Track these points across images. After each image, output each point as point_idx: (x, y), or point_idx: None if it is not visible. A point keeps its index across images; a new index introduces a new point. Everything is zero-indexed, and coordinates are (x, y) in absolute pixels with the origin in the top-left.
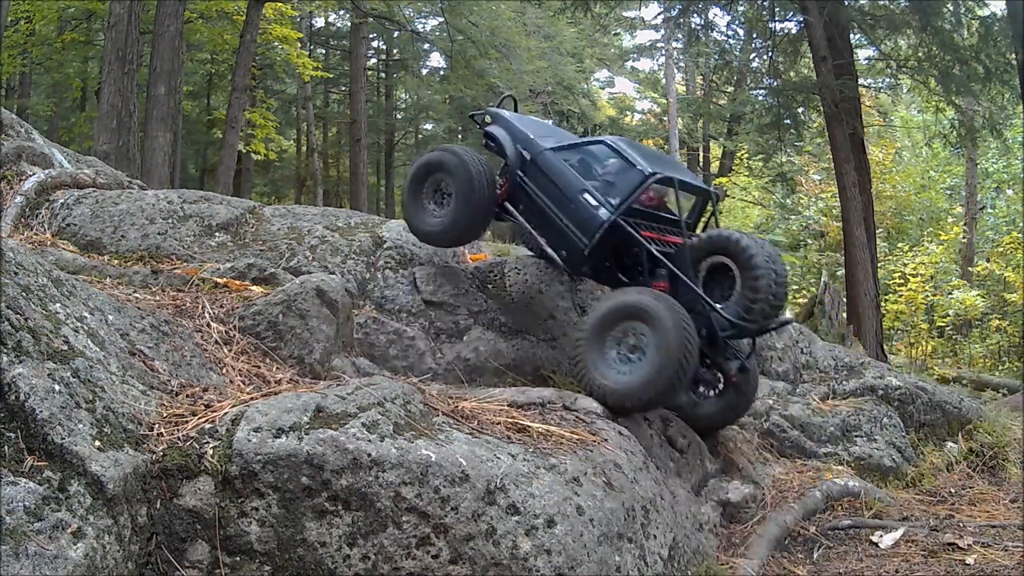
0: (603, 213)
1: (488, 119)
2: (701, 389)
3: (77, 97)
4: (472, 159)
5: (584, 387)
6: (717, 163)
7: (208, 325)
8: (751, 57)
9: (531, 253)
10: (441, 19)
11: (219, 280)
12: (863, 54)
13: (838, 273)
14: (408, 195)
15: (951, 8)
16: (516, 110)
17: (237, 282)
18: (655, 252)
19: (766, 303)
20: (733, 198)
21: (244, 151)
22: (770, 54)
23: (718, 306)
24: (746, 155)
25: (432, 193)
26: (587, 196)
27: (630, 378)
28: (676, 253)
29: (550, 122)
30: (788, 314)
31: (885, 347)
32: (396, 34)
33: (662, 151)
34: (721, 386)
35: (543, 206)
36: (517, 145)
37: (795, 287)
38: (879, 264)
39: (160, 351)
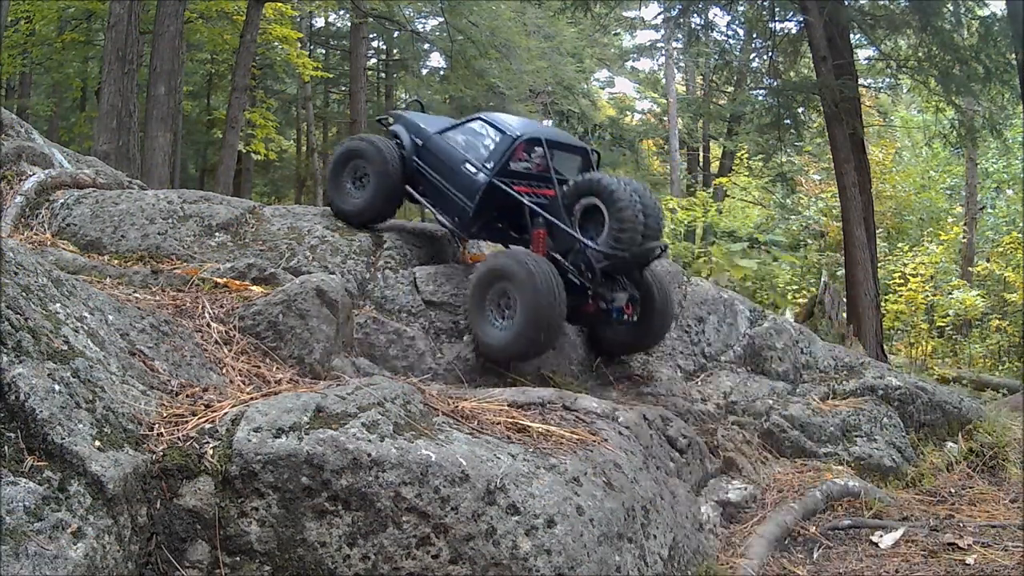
0: (481, 177)
1: (391, 120)
2: (625, 317)
3: (77, 97)
4: (387, 148)
5: (476, 346)
6: (717, 163)
7: (208, 325)
8: (751, 57)
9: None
10: (441, 19)
11: (219, 280)
12: (863, 54)
13: (838, 273)
14: (331, 178)
15: (951, 8)
16: (423, 111)
17: (237, 282)
18: (528, 204)
19: (634, 231)
20: (733, 198)
21: (244, 151)
22: (770, 54)
23: (589, 242)
24: (746, 155)
25: (351, 177)
26: (468, 165)
27: (507, 333)
28: (551, 203)
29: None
30: (788, 314)
31: (885, 347)
32: (396, 34)
33: (542, 122)
34: (636, 316)
35: (435, 182)
36: (412, 136)
37: (795, 287)
38: (879, 264)
39: (160, 351)
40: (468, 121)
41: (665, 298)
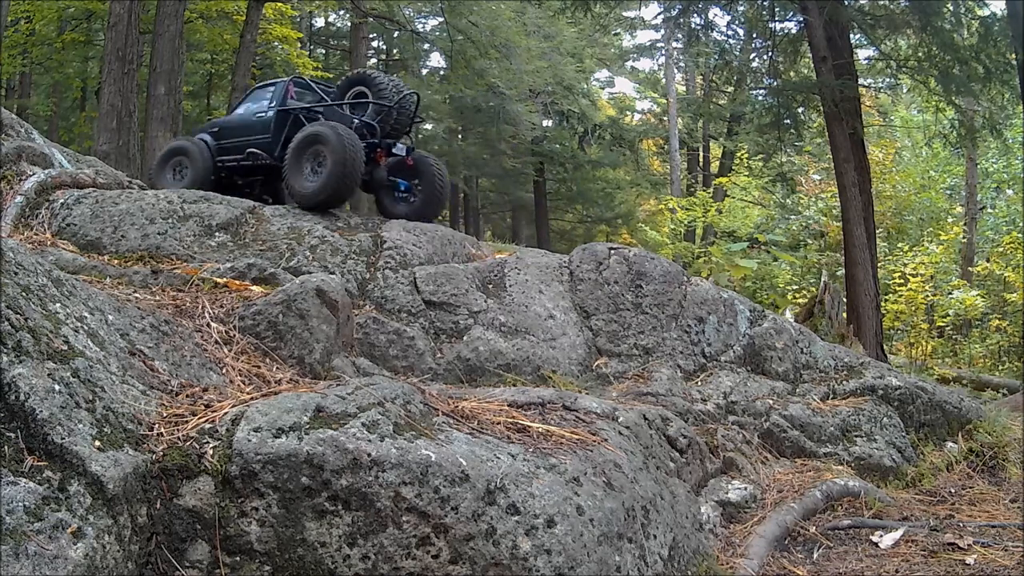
0: (270, 112)
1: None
2: (407, 196)
3: (77, 97)
4: (201, 145)
5: (290, 195)
6: (717, 163)
7: (208, 325)
8: (751, 57)
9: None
10: (441, 19)
11: (219, 280)
12: (863, 54)
13: (838, 273)
14: (156, 170)
15: (951, 8)
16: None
17: (237, 282)
18: (308, 105)
19: (391, 93)
20: (733, 198)
21: None
22: (770, 54)
23: (361, 119)
24: (746, 155)
25: (174, 167)
26: (258, 113)
27: (315, 184)
28: (325, 106)
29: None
30: (788, 314)
31: (885, 347)
32: (396, 34)
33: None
34: (417, 191)
35: (239, 142)
36: (210, 131)
37: (795, 287)
38: (879, 264)
39: (160, 351)
40: (252, 91)
41: (441, 175)
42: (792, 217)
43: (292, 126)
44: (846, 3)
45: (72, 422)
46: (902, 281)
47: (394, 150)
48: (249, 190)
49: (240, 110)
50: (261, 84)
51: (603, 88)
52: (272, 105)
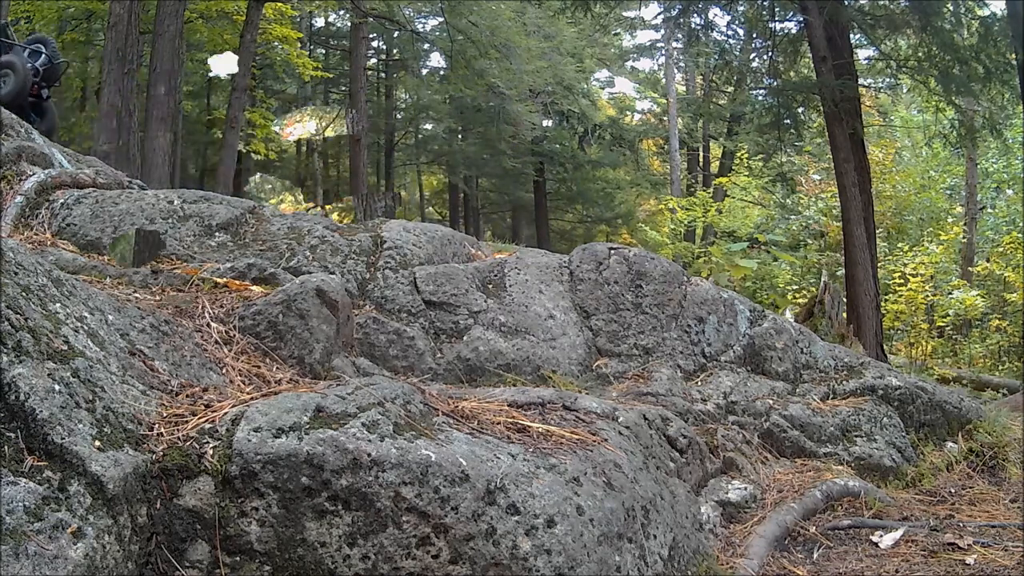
0: None
1: None
2: (35, 115)
3: (77, 97)
4: None
5: None
6: (717, 163)
7: (208, 325)
8: (751, 57)
9: None
10: (441, 19)
11: (219, 280)
12: (863, 54)
13: (838, 273)
14: None
15: (951, 8)
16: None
17: (237, 282)
18: (4, 40)
19: (54, 55)
20: (733, 198)
21: (244, 151)
22: (770, 54)
23: (40, 56)
24: (746, 155)
25: None
26: None
27: (6, 91)
28: (14, 45)
29: None
30: (789, 314)
31: (885, 347)
32: (396, 34)
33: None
34: (43, 113)
35: None
36: None
37: (795, 287)
38: (879, 264)
39: (160, 351)
40: None
41: (53, 115)
42: (792, 217)
43: None
44: (846, 3)
45: (72, 422)
46: (902, 281)
47: (42, 92)
48: None
49: None
50: None
51: (603, 88)
52: None
